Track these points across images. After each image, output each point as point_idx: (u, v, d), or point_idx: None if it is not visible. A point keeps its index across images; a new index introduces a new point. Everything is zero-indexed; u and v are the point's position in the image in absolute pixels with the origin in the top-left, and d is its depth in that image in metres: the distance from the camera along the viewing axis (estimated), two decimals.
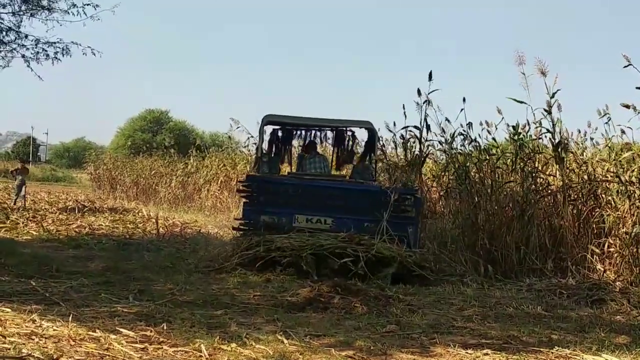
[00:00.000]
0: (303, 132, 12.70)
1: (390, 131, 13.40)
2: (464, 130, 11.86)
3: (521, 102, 10.43)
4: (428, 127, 12.30)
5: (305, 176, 10.97)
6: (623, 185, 9.83)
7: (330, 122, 11.88)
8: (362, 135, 12.64)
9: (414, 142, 12.89)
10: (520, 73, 10.19)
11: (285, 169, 13.08)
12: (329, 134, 12.74)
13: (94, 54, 16.14)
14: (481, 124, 12.14)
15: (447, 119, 12.04)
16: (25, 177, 22.27)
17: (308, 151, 11.89)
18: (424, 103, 11.96)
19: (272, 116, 11.31)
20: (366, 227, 9.65)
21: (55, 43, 15.89)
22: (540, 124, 10.96)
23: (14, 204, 20.90)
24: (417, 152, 12.69)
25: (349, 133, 12.51)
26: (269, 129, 12.11)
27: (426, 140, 12.57)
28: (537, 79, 10.18)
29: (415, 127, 12.46)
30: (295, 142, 13.16)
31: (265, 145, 11.90)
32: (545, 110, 10.55)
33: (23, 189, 21.53)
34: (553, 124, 10.68)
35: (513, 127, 11.21)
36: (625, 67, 9.35)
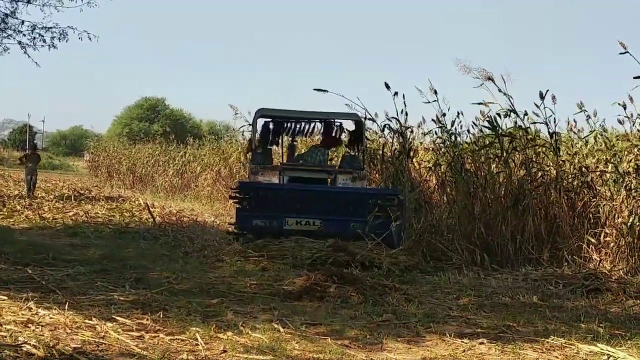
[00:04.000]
0: (294, 124, 13.15)
1: (374, 120, 13.34)
2: (442, 123, 11.89)
3: (487, 104, 10.95)
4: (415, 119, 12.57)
5: (297, 167, 11.55)
6: (619, 176, 9.84)
7: (319, 115, 12.32)
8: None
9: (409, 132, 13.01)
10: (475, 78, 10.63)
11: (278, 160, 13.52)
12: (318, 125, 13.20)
13: (90, 39, 16.10)
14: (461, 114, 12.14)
15: (443, 113, 12.08)
16: (35, 165, 20.97)
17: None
18: (394, 95, 12.06)
19: (265, 110, 11.82)
20: (352, 227, 9.95)
21: (51, 28, 15.85)
22: (525, 113, 11.05)
23: (28, 195, 19.63)
24: (398, 144, 12.82)
25: (337, 125, 12.87)
26: (261, 121, 12.46)
27: (406, 129, 12.74)
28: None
29: (394, 117, 12.60)
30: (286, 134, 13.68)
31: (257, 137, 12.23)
32: (536, 105, 10.75)
33: (32, 177, 20.40)
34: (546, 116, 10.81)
35: (489, 121, 11.19)
36: (621, 53, 9.37)
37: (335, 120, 12.65)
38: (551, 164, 10.83)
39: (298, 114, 12.34)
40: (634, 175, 9.82)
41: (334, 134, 12.85)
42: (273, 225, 10.17)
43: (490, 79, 10.52)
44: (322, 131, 13.06)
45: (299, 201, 10.34)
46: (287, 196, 10.48)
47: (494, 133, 11.14)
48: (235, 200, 10.52)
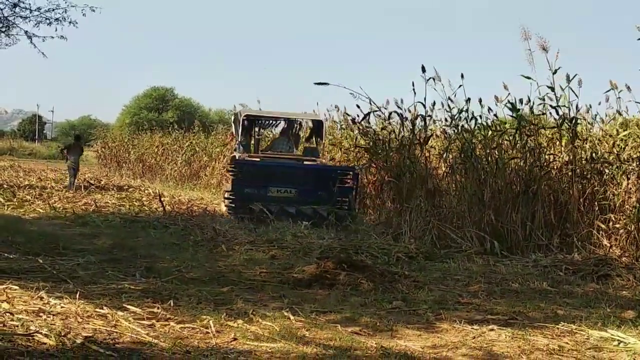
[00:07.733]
0: (269, 122, 16.77)
1: (400, 107, 13.55)
2: (464, 109, 11.84)
3: (528, 78, 10.53)
4: (433, 104, 12.66)
5: (273, 156, 14.31)
6: (627, 163, 9.77)
7: (288, 115, 15.54)
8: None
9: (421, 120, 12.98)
10: (526, 50, 10.33)
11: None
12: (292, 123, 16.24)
13: (93, 11, 16.24)
14: (480, 101, 12.10)
15: (449, 98, 12.04)
16: (79, 157, 20.53)
17: (282, 134, 16.13)
18: (428, 80, 11.90)
19: (248, 110, 15.45)
20: (319, 195, 12.91)
21: (54, 9, 15.94)
22: (544, 99, 10.91)
23: (70, 188, 19.19)
24: (417, 130, 12.78)
25: (298, 123, 16.26)
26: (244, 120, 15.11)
27: (428, 116, 12.84)
28: (541, 55, 10.26)
29: (420, 102, 12.53)
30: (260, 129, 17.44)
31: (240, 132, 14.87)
32: (549, 87, 10.60)
33: (76, 172, 20.00)
34: (557, 100, 10.66)
35: (512, 103, 11.10)
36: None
37: (298, 119, 15.88)
38: (563, 150, 10.75)
39: (272, 114, 15.53)
40: None
41: (296, 130, 16.21)
42: (260, 192, 12.96)
43: (544, 49, 10.27)
44: (285, 126, 16.18)
45: (280, 175, 13.27)
46: (270, 171, 13.42)
47: (514, 116, 11.04)
48: (231, 173, 13.31)
